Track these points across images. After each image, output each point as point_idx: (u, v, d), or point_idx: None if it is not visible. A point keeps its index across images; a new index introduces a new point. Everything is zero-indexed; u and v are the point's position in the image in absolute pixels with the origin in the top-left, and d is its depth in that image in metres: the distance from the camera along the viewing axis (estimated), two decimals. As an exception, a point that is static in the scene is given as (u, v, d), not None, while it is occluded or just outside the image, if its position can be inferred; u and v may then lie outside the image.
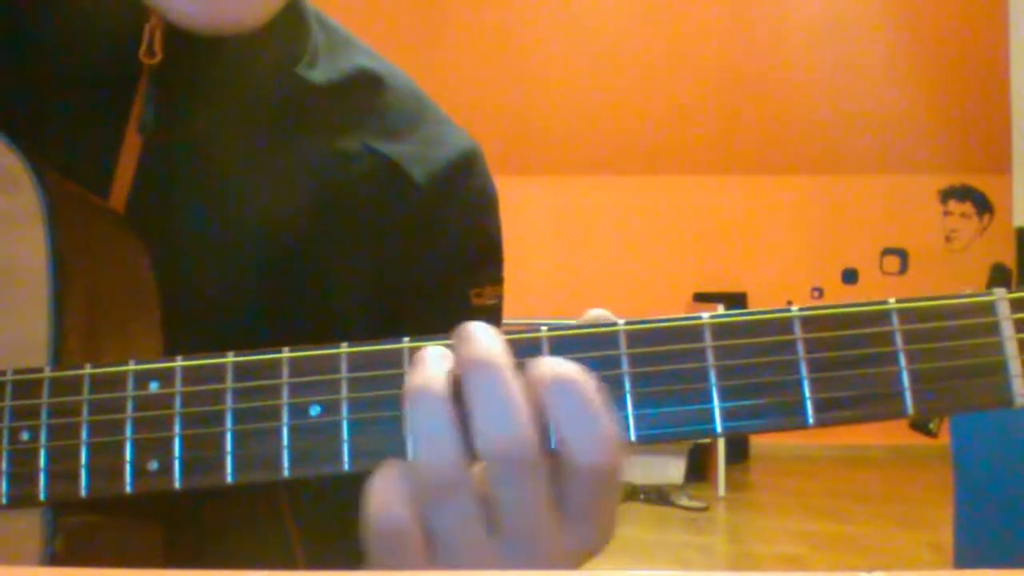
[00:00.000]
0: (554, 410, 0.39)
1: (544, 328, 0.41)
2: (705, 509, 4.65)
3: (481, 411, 0.38)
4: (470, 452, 0.39)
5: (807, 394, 0.39)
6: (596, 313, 0.42)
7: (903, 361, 0.39)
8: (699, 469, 5.20)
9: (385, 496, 0.39)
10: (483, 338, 0.40)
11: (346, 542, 0.57)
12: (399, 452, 0.40)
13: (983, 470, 2.02)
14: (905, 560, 3.70)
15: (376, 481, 0.40)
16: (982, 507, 2.03)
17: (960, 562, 2.10)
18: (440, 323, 0.61)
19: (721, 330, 0.40)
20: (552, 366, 0.39)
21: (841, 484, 5.31)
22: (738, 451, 5.65)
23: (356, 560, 0.57)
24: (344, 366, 0.41)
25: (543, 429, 0.39)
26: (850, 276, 6.41)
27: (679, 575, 2.42)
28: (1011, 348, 0.39)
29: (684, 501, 4.69)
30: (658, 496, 4.69)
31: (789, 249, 6.38)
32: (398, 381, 0.41)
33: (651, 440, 0.40)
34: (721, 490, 4.94)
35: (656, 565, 3.70)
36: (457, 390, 0.39)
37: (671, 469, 5.02)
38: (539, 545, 0.39)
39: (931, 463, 5.24)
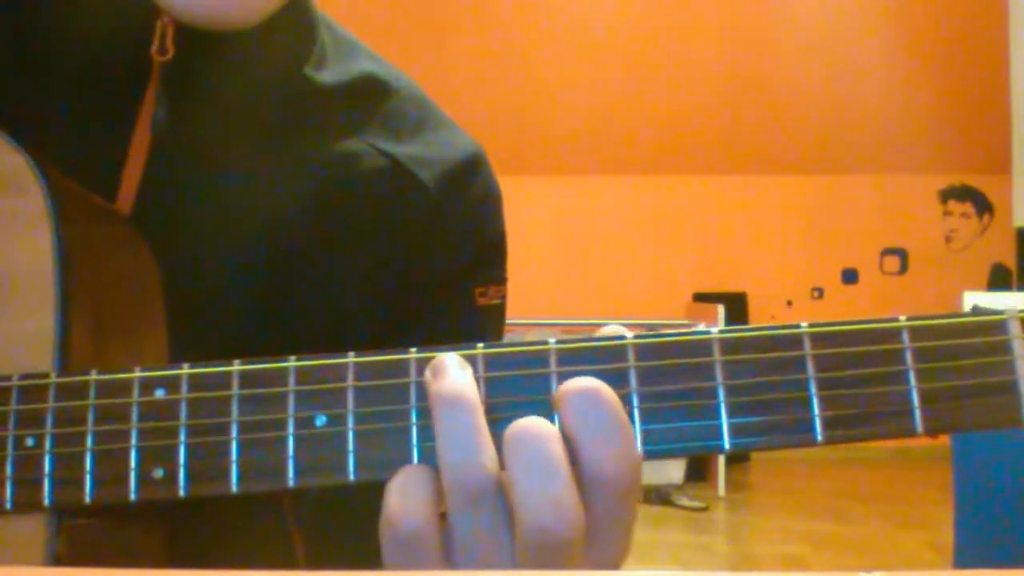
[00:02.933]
0: (579, 424, 0.38)
1: (552, 340, 0.41)
2: (705, 509, 4.65)
3: (523, 478, 0.38)
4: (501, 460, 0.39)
5: (816, 412, 0.39)
6: (610, 329, 0.42)
7: (913, 379, 0.39)
8: (699, 469, 5.20)
9: (405, 501, 0.39)
10: (532, 427, 0.39)
11: (347, 542, 0.57)
12: (405, 462, 0.40)
13: (983, 470, 2.02)
14: (905, 560, 3.71)
15: (395, 485, 0.39)
16: (982, 507, 2.03)
17: (960, 562, 2.10)
18: (444, 322, 0.61)
19: (730, 345, 0.40)
20: (581, 380, 0.39)
21: (841, 484, 5.31)
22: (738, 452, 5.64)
23: (357, 560, 0.57)
24: (350, 376, 0.41)
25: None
26: (850, 276, 6.41)
27: (679, 575, 2.42)
28: (1022, 367, 0.38)
29: (684, 501, 4.69)
30: (658, 496, 4.69)
31: (789, 249, 6.38)
32: (405, 392, 0.41)
33: (658, 456, 0.39)
34: (721, 490, 4.95)
35: (656, 565, 3.71)
36: None
37: (671, 469, 5.02)
38: (560, 564, 0.39)
39: (931, 463, 5.23)
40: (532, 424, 0.39)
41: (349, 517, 0.55)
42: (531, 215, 6.07)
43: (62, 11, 0.58)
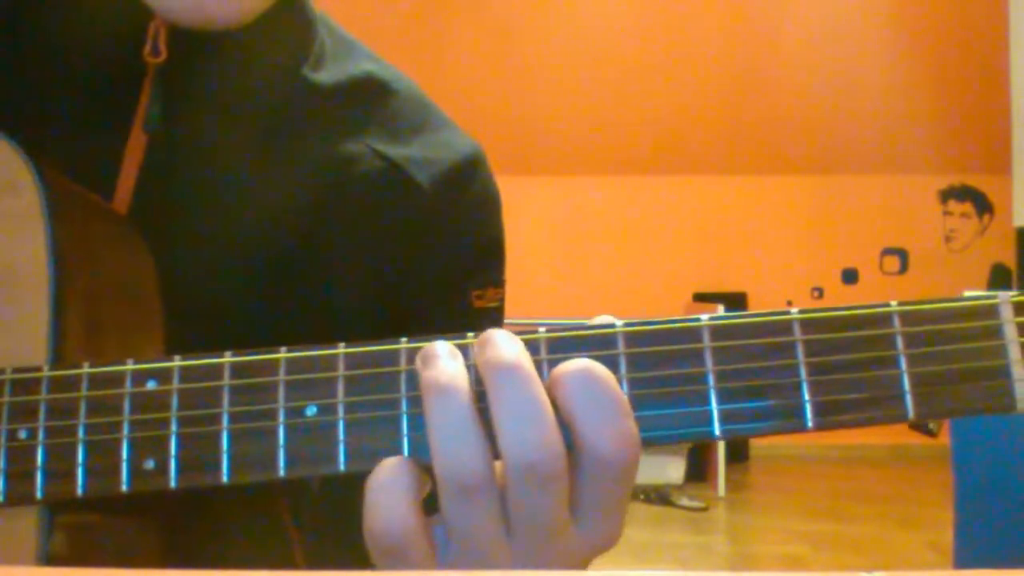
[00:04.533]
0: (576, 403, 0.38)
1: (542, 329, 0.41)
2: (705, 509, 4.65)
3: (508, 418, 0.38)
4: (493, 452, 0.38)
5: (806, 397, 0.39)
6: (602, 319, 0.42)
7: (904, 364, 0.39)
8: (699, 469, 5.20)
9: (391, 499, 0.39)
10: (507, 343, 0.39)
11: (345, 542, 0.57)
12: (395, 453, 0.40)
13: (983, 470, 2.01)
14: (905, 560, 3.70)
15: (377, 482, 0.39)
16: (982, 507, 2.03)
17: (960, 562, 2.10)
18: (442, 324, 0.61)
19: (720, 332, 0.40)
20: (575, 361, 0.39)
21: (841, 484, 5.31)
22: (738, 451, 5.65)
23: (355, 560, 0.57)
24: (341, 366, 0.41)
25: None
26: (850, 276, 6.41)
27: (679, 575, 2.42)
28: (1014, 352, 0.38)
29: (684, 501, 4.69)
30: (658, 496, 4.69)
31: (789, 249, 6.38)
32: (395, 381, 0.41)
33: (649, 443, 0.39)
34: (721, 490, 4.95)
35: (656, 565, 3.71)
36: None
37: (671, 469, 5.02)
38: (554, 546, 0.39)
39: (931, 463, 5.24)
40: (514, 367, 0.38)
41: (346, 517, 0.55)
42: (531, 215, 6.07)
43: (59, 13, 0.58)
